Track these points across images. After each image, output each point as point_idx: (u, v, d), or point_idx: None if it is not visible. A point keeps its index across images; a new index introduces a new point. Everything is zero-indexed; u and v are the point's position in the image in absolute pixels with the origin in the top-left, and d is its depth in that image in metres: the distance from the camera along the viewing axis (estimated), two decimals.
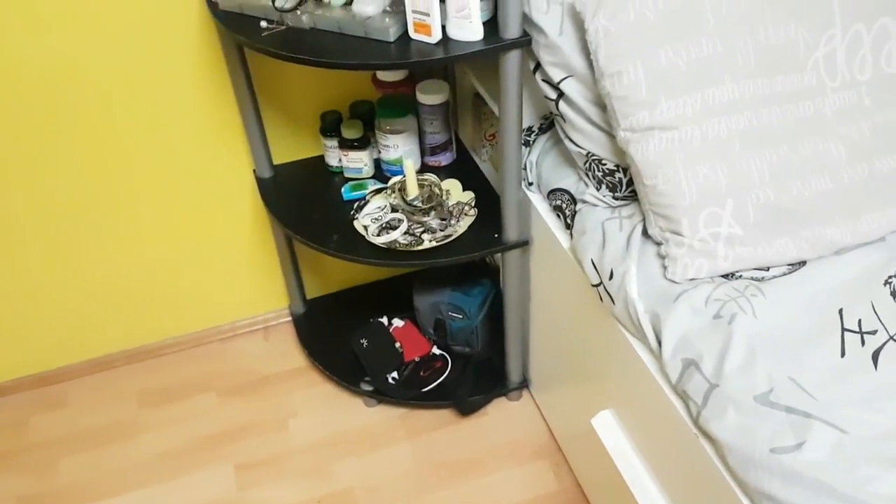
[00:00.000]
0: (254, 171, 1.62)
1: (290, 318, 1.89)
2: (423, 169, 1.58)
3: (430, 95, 1.48)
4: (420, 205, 1.44)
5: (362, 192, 1.53)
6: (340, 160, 1.57)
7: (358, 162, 1.55)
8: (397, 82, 1.51)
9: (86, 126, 1.46)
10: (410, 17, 1.14)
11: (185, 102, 1.50)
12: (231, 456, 1.62)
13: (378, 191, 1.53)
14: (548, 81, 1.18)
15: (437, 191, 1.47)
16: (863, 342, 0.93)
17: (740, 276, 1.03)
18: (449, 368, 1.66)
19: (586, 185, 1.20)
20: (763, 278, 1.02)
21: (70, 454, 1.65)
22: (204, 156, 1.58)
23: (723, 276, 1.03)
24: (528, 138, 1.34)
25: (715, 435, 0.90)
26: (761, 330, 0.94)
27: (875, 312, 0.96)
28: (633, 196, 1.15)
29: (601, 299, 1.12)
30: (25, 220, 1.55)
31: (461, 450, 1.61)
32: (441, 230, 1.43)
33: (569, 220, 1.24)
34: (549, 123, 1.35)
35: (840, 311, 0.96)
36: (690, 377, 0.95)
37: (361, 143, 1.53)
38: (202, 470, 1.60)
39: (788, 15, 1.03)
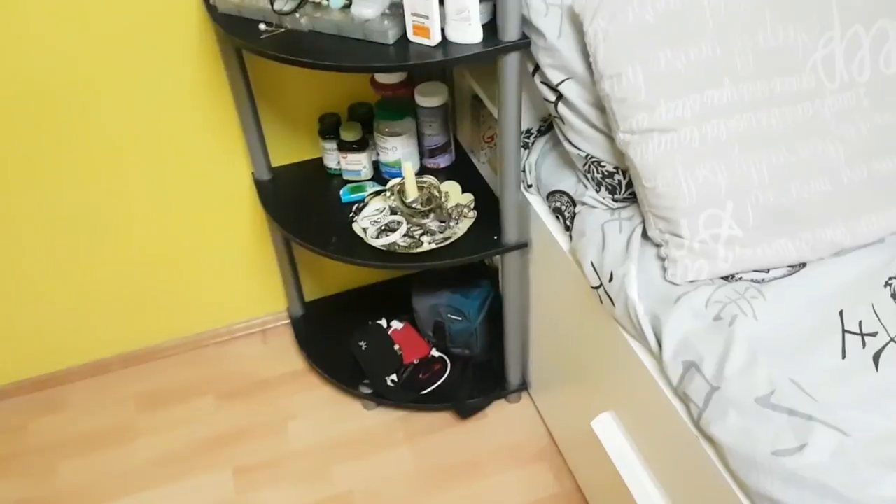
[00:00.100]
0: (252, 173, 1.62)
1: (288, 321, 1.88)
2: (422, 171, 1.58)
3: (429, 98, 1.47)
4: (419, 207, 1.44)
5: (361, 194, 1.53)
6: (339, 162, 1.57)
7: (356, 164, 1.55)
8: (396, 85, 1.51)
9: (83, 128, 1.46)
10: (409, 20, 1.14)
11: (183, 105, 1.50)
12: (229, 459, 1.62)
13: (377, 193, 1.53)
14: (547, 84, 1.18)
15: (436, 193, 1.47)
16: (863, 344, 0.93)
17: (740, 278, 1.03)
18: (448, 371, 1.66)
19: (585, 187, 1.20)
20: (763, 280, 1.02)
21: (68, 458, 1.64)
22: (202, 158, 1.58)
23: (723, 278, 1.03)
24: (527, 140, 1.34)
25: (716, 437, 0.89)
26: (762, 332, 0.94)
27: (875, 314, 0.96)
28: (632, 198, 1.15)
29: (601, 301, 1.12)
30: (23, 225, 1.54)
31: (461, 452, 1.60)
32: (440, 232, 1.43)
33: (568, 222, 1.23)
34: (547, 125, 1.34)
35: (840, 313, 0.96)
36: (691, 379, 0.95)
37: (360, 146, 1.53)
38: (200, 474, 1.59)
39: (787, 17, 1.03)
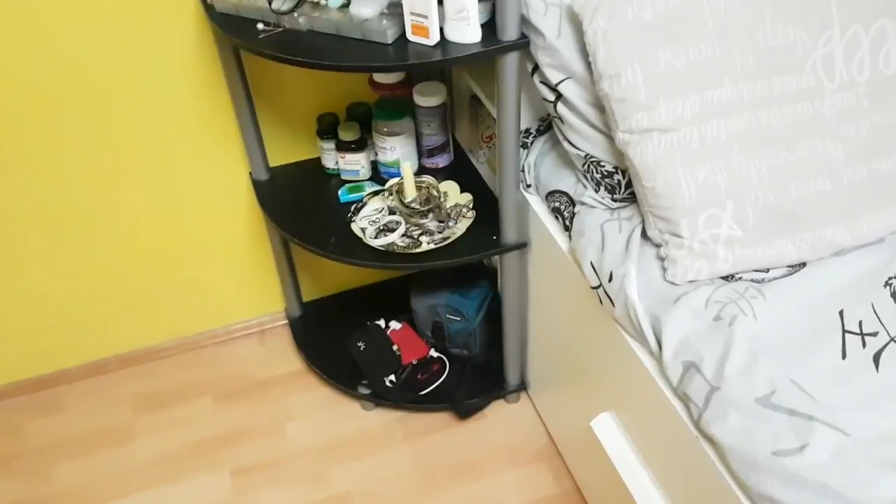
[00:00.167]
0: (250, 173, 1.62)
1: (286, 322, 1.88)
2: (421, 171, 1.58)
3: (428, 97, 1.47)
4: (418, 207, 1.43)
5: (359, 194, 1.52)
6: (337, 162, 1.56)
7: (355, 164, 1.54)
8: (394, 84, 1.51)
9: (79, 128, 1.45)
10: (408, 19, 1.14)
11: (180, 104, 1.49)
12: (227, 461, 1.61)
13: (375, 193, 1.52)
14: (546, 83, 1.17)
15: (434, 193, 1.47)
16: (864, 344, 0.93)
17: (740, 278, 1.03)
18: (447, 371, 1.66)
19: (585, 186, 1.20)
20: (763, 280, 1.02)
21: (66, 459, 1.63)
22: (199, 158, 1.57)
23: (722, 278, 1.03)
24: (525, 140, 1.33)
25: (716, 437, 0.89)
26: (762, 332, 0.94)
27: (876, 314, 0.95)
28: (631, 198, 1.15)
29: (600, 301, 1.12)
30: (19, 225, 1.54)
31: (459, 453, 1.60)
32: (439, 232, 1.43)
33: (567, 222, 1.23)
34: (546, 125, 1.34)
35: (840, 313, 0.96)
36: (691, 379, 0.94)
37: (358, 146, 1.52)
38: (198, 475, 1.59)
39: (787, 17, 1.03)
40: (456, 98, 1.61)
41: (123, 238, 1.63)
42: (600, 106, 1.12)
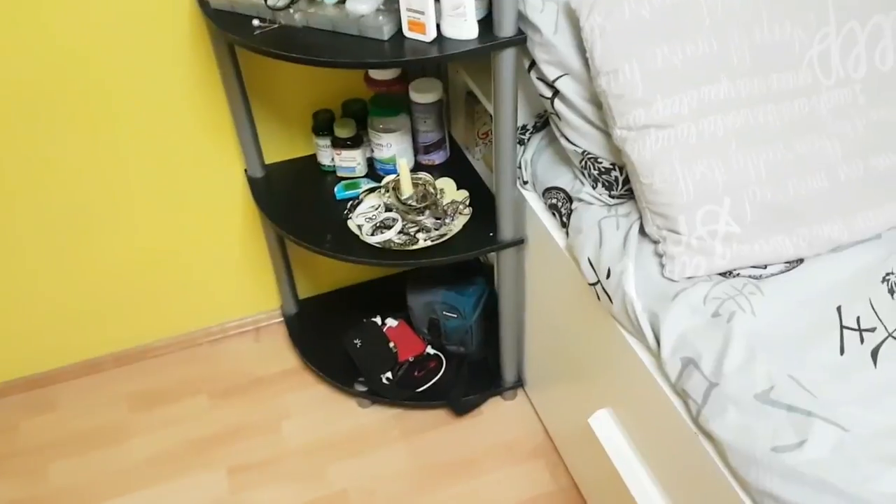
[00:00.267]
0: (245, 170, 1.61)
1: (281, 319, 1.87)
2: (417, 168, 1.57)
3: (424, 94, 1.47)
4: (415, 204, 1.43)
5: (355, 191, 1.52)
6: (333, 159, 1.56)
7: (351, 161, 1.54)
8: (390, 81, 1.50)
9: (72, 125, 1.44)
10: (405, 15, 1.13)
11: (174, 101, 1.48)
12: (223, 459, 1.61)
13: (371, 190, 1.52)
14: (543, 80, 1.17)
15: (431, 190, 1.46)
16: (862, 340, 0.93)
17: (738, 275, 1.03)
18: (443, 368, 1.66)
19: (582, 183, 1.20)
20: (761, 276, 1.02)
21: (60, 458, 1.63)
22: (194, 155, 1.57)
23: (720, 275, 1.03)
24: (522, 137, 1.33)
25: (715, 434, 0.89)
26: (760, 328, 0.94)
27: (873, 310, 0.96)
28: (629, 194, 1.15)
29: (598, 298, 1.12)
30: (14, 224, 1.52)
31: (456, 450, 1.60)
32: (436, 229, 1.43)
33: (564, 219, 1.23)
34: (543, 122, 1.34)
35: (838, 309, 0.96)
36: (690, 376, 0.94)
37: (354, 142, 1.52)
38: (194, 473, 1.58)
39: (783, 13, 1.03)
40: (452, 95, 1.60)
41: (118, 235, 1.62)
42: (597, 102, 1.12)
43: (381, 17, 1.16)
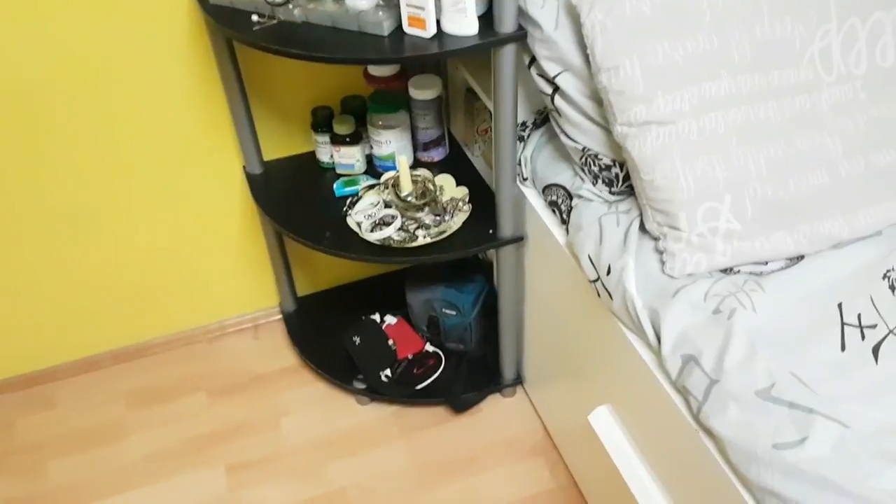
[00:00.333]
0: (244, 167, 1.60)
1: (280, 316, 1.87)
2: (416, 164, 1.57)
3: (423, 90, 1.46)
4: (414, 201, 1.43)
5: (354, 188, 1.52)
6: (332, 156, 1.55)
7: (350, 158, 1.53)
8: (389, 77, 1.50)
9: (70, 122, 1.44)
10: (405, 11, 1.13)
11: (173, 97, 1.48)
12: (222, 456, 1.60)
13: (370, 187, 1.52)
14: (543, 76, 1.17)
15: (430, 186, 1.46)
16: (863, 336, 0.93)
17: (738, 271, 1.03)
18: (443, 365, 1.65)
19: (582, 180, 1.20)
20: (762, 273, 1.02)
21: (58, 456, 1.62)
22: (193, 152, 1.56)
23: (721, 271, 1.03)
24: (522, 133, 1.33)
25: (716, 431, 0.89)
26: (761, 325, 0.94)
27: (874, 306, 0.95)
28: (629, 191, 1.15)
29: (598, 295, 1.12)
30: (13, 222, 1.52)
31: (455, 448, 1.60)
32: (435, 226, 1.42)
33: (565, 216, 1.23)
34: (543, 118, 1.34)
35: (839, 306, 0.96)
36: (690, 373, 0.94)
37: (353, 139, 1.51)
38: (193, 471, 1.58)
39: (784, 10, 1.03)
40: (451, 91, 1.60)
41: (116, 233, 1.61)
42: (598, 99, 1.11)
43: (380, 13, 1.15)
